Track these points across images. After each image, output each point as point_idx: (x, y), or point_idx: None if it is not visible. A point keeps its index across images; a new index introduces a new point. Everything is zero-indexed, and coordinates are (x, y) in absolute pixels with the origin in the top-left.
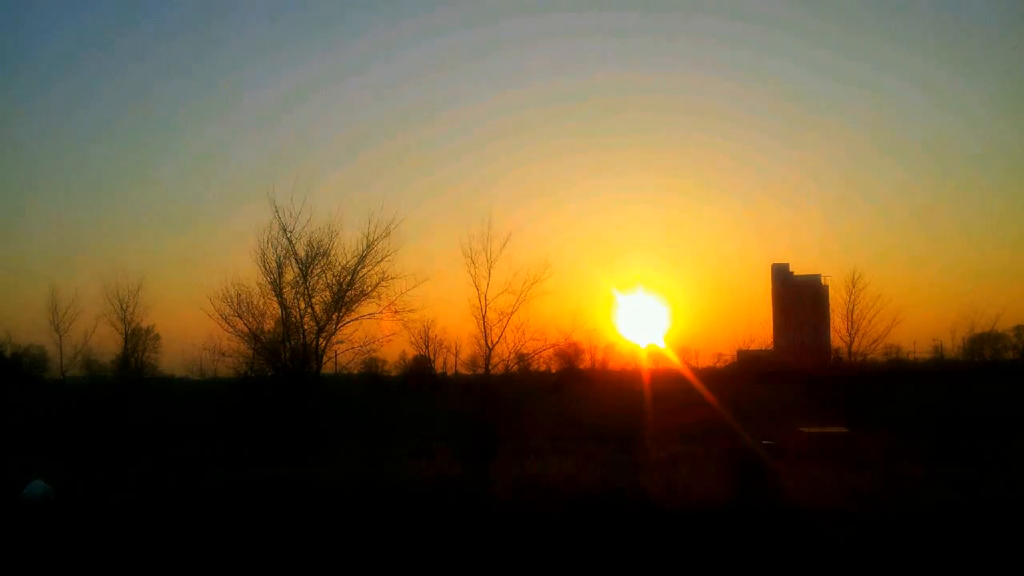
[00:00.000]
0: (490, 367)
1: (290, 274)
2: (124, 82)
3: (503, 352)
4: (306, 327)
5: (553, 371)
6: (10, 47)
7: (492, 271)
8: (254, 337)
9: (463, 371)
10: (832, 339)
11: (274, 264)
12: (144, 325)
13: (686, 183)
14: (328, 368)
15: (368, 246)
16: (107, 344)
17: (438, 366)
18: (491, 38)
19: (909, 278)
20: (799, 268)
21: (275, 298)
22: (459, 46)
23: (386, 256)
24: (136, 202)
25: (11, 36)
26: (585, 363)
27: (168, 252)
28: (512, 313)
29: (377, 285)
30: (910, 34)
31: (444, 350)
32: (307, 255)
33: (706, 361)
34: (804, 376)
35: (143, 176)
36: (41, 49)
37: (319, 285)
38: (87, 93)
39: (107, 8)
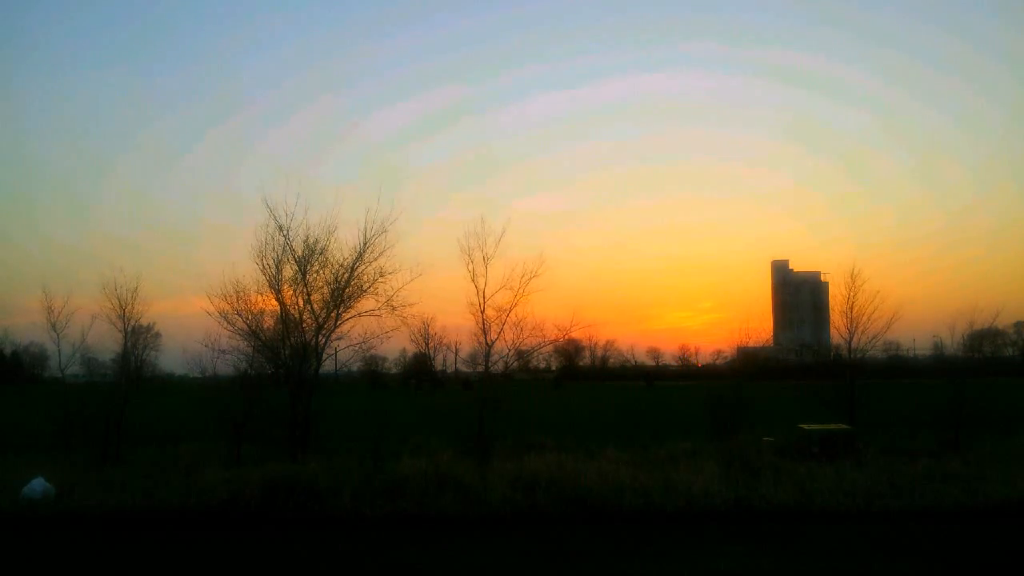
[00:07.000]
0: (489, 364)
1: (288, 272)
2: (122, 79)
3: (503, 349)
4: (305, 324)
5: (554, 368)
6: (8, 46)
7: (489, 267)
8: (254, 335)
9: (463, 368)
10: (831, 335)
11: (272, 262)
12: (144, 323)
13: (688, 180)
14: (328, 366)
15: (365, 243)
16: (106, 342)
17: (438, 363)
18: (489, 30)
19: (909, 274)
20: (798, 265)
21: (273, 296)
22: (456, 41)
23: (383, 251)
24: (135, 200)
25: (10, 34)
26: (585, 360)
27: (168, 250)
28: (511, 310)
29: (374, 281)
30: (908, 40)
31: (444, 348)
32: (304, 253)
33: (706, 358)
34: (804, 373)
35: (142, 174)
36: (39, 48)
37: (317, 282)
38: (85, 90)
39: (107, 6)
